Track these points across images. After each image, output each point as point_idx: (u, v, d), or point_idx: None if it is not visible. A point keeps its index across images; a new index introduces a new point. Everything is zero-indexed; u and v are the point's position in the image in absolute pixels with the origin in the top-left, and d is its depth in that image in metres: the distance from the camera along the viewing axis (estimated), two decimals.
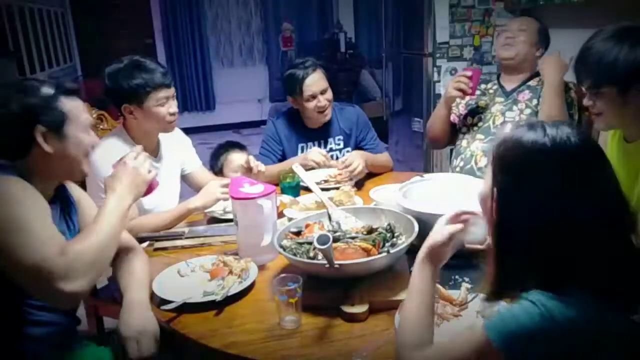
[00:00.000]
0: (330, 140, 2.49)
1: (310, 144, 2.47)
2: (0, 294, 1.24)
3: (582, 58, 1.43)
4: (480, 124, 2.33)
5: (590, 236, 0.90)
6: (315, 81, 2.34)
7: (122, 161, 1.42)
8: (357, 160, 2.20)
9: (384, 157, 2.51)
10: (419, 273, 1.06)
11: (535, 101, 2.22)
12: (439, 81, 4.21)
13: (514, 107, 2.27)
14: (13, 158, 1.29)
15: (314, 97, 2.34)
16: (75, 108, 1.33)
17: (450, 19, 4.10)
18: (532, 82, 2.29)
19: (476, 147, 2.29)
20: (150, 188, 1.46)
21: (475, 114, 2.36)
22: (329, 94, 2.38)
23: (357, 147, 2.50)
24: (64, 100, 1.31)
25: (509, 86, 2.33)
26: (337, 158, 2.47)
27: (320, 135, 2.47)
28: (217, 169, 2.61)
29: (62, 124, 1.30)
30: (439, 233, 1.07)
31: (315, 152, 2.29)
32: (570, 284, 0.89)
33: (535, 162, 0.92)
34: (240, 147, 2.68)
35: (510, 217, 0.94)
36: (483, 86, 2.41)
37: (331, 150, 2.49)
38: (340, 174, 2.21)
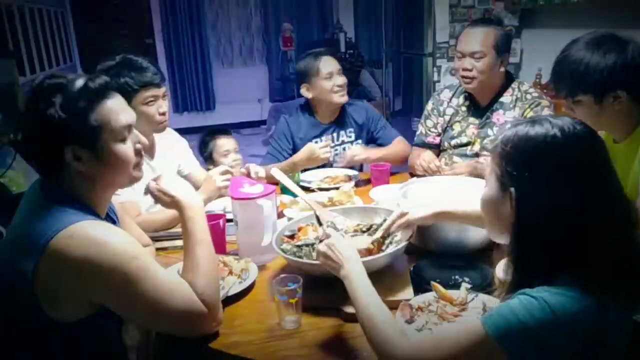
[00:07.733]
0: (342, 132, 2.52)
1: (323, 138, 2.46)
2: None
3: (557, 68, 1.44)
4: (456, 147, 2.23)
5: (605, 229, 0.90)
6: (330, 60, 2.40)
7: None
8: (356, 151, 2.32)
9: (395, 147, 2.46)
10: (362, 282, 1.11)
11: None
12: (439, 81, 4.21)
13: (490, 132, 2.15)
14: (49, 177, 1.13)
15: (331, 75, 2.37)
16: (110, 111, 1.11)
17: (450, 19, 4.11)
18: (505, 97, 2.14)
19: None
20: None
21: (451, 138, 2.25)
22: (345, 78, 2.41)
23: (371, 139, 2.53)
24: (97, 108, 1.09)
25: (482, 101, 2.18)
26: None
27: (332, 128, 2.50)
28: (206, 155, 2.69)
29: (96, 139, 1.09)
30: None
31: (324, 150, 2.26)
32: (576, 279, 0.88)
33: (550, 155, 0.91)
34: (225, 132, 2.76)
35: (531, 214, 0.92)
36: (455, 101, 2.26)
37: (343, 142, 2.51)
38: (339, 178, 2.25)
